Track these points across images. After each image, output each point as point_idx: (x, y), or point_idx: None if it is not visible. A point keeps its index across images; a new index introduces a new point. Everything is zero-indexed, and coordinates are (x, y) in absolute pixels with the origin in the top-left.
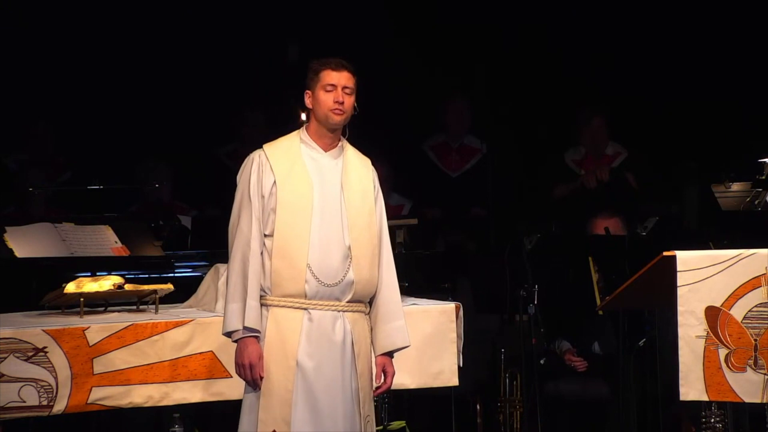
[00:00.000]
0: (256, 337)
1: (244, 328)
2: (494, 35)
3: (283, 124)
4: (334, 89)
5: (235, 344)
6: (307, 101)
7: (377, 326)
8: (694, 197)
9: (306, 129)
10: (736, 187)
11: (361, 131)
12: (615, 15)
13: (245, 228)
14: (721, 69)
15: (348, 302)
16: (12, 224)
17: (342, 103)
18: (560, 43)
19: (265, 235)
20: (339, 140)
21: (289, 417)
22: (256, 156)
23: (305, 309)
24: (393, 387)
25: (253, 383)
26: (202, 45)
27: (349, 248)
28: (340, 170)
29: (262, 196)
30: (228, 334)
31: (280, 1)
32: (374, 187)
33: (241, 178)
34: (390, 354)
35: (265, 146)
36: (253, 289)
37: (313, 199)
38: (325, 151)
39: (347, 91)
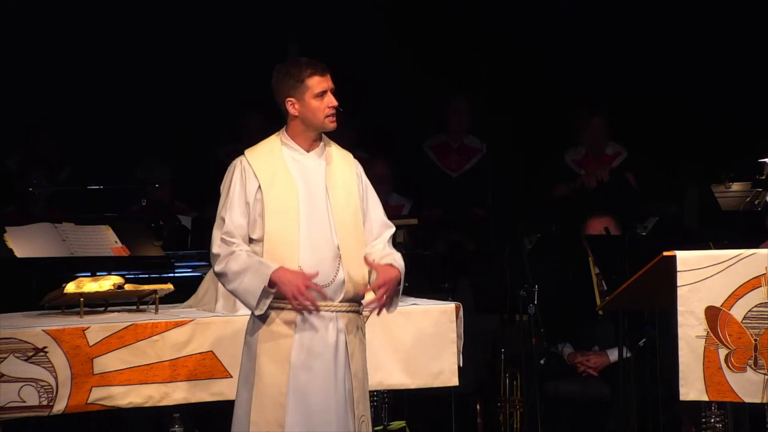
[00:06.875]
0: None
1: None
2: (494, 35)
3: (283, 124)
4: (326, 95)
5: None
6: (291, 109)
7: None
8: (694, 197)
9: (286, 131)
10: (736, 187)
11: (361, 131)
12: (615, 15)
13: (226, 234)
14: (722, 69)
15: (341, 302)
16: (12, 224)
17: (336, 106)
18: (560, 43)
19: (254, 240)
20: (321, 139)
21: (282, 419)
22: (238, 162)
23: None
24: (393, 387)
25: (310, 300)
26: (202, 45)
27: (338, 248)
28: (324, 170)
29: (247, 203)
30: (263, 294)
31: (280, 1)
32: (360, 180)
33: (223, 185)
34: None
35: (247, 152)
36: (253, 255)
37: (299, 201)
38: (308, 151)
39: (333, 91)
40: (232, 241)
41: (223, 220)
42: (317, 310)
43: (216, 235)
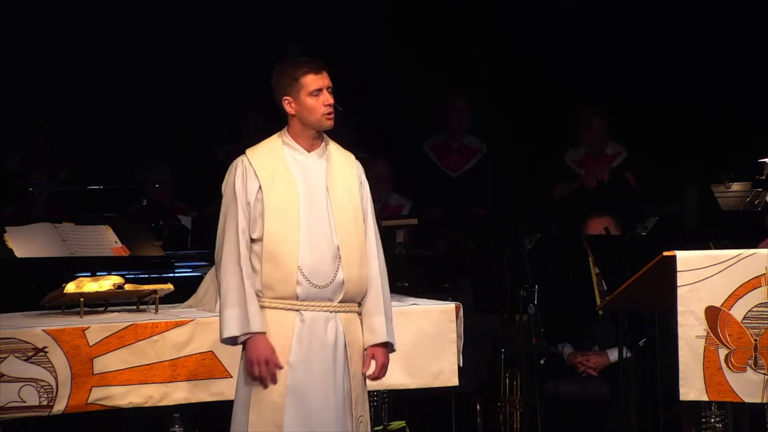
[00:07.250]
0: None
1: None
2: (494, 35)
3: (283, 124)
4: (321, 93)
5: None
6: (288, 108)
7: (363, 319)
8: (694, 197)
9: (287, 131)
10: (736, 187)
11: (361, 131)
12: (615, 15)
13: (232, 236)
14: (722, 69)
15: (340, 302)
16: (12, 224)
17: (332, 104)
18: (560, 43)
19: (254, 240)
20: (322, 139)
21: (280, 420)
22: (239, 162)
23: (297, 310)
24: (393, 387)
25: (270, 378)
26: (202, 45)
27: (338, 248)
28: (325, 170)
29: (248, 203)
30: (229, 340)
31: (280, 1)
32: (360, 182)
33: (225, 185)
34: (381, 346)
35: (248, 151)
36: (251, 294)
37: (299, 201)
38: (309, 151)
39: (330, 90)
40: (240, 250)
41: (231, 221)
42: (264, 387)
43: (226, 236)
